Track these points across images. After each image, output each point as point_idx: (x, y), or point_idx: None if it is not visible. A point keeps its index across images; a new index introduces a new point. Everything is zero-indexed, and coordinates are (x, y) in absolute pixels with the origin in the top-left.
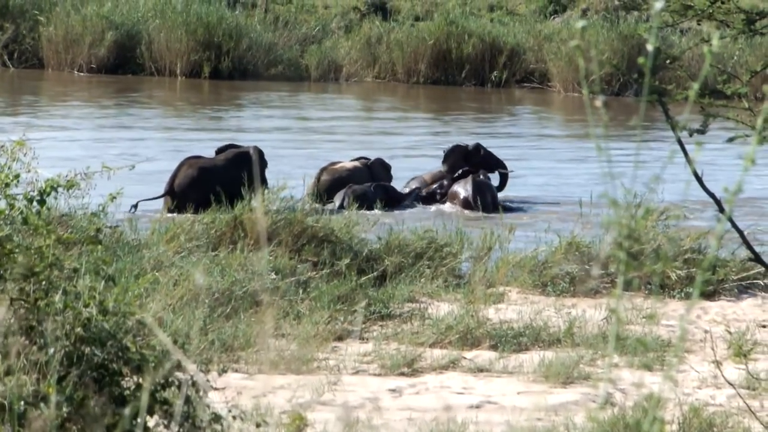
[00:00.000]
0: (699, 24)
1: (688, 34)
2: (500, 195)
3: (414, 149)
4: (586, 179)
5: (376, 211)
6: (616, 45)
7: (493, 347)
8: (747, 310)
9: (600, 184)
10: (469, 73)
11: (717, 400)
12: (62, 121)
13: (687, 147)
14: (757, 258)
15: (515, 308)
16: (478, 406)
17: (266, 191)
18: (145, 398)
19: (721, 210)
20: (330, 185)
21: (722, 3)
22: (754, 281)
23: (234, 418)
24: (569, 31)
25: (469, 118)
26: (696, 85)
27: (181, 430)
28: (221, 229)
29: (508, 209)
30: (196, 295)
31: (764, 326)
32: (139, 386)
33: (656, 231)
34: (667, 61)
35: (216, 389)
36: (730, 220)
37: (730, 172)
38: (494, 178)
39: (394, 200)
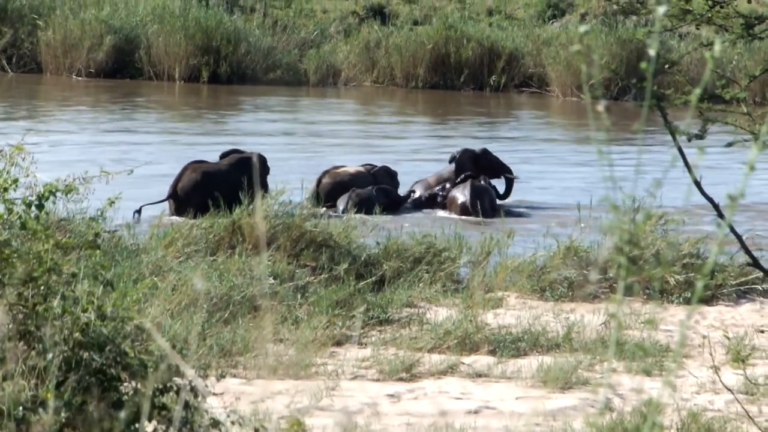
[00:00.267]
0: (698, 28)
1: (686, 39)
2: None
3: (416, 153)
4: (585, 184)
5: (381, 216)
6: (614, 50)
7: (492, 352)
8: (745, 315)
9: (600, 189)
10: (467, 77)
11: (715, 406)
12: (61, 126)
13: (688, 151)
14: (755, 263)
15: (514, 313)
16: (476, 412)
17: (267, 197)
18: (145, 404)
19: (721, 216)
20: (331, 189)
21: (721, 7)
22: (753, 286)
23: (232, 423)
24: (568, 35)
25: (469, 122)
26: (697, 91)
27: None
28: (220, 234)
29: (507, 214)
30: (194, 300)
31: (762, 331)
32: (137, 391)
33: (655, 236)
34: (666, 66)
35: (214, 394)
36: (729, 225)
37: (731, 174)
38: (500, 183)
39: (394, 204)
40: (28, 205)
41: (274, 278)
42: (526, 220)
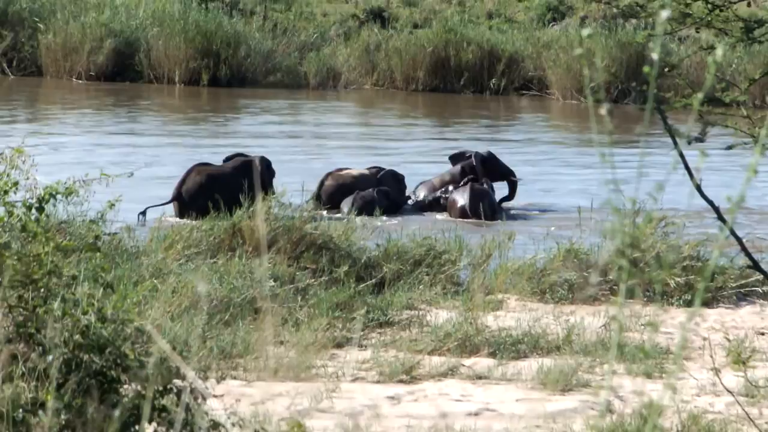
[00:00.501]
0: (697, 32)
1: (686, 42)
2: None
3: (420, 155)
4: (587, 186)
5: (384, 218)
6: (614, 53)
7: (492, 354)
8: (746, 318)
9: (601, 191)
10: (467, 80)
11: (716, 408)
12: (61, 129)
13: (689, 154)
14: (755, 265)
15: (514, 315)
16: (476, 414)
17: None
18: (146, 406)
19: (721, 219)
20: (334, 191)
21: (720, 11)
22: (753, 289)
23: (233, 425)
24: (568, 38)
25: (471, 125)
26: (700, 95)
27: None
28: (220, 237)
29: (508, 216)
30: (195, 303)
31: (763, 333)
32: (137, 393)
33: (655, 238)
34: (666, 69)
35: (215, 396)
36: (730, 228)
37: (733, 176)
38: (502, 186)
39: (394, 206)
40: (29, 208)
41: (275, 280)
42: (527, 223)
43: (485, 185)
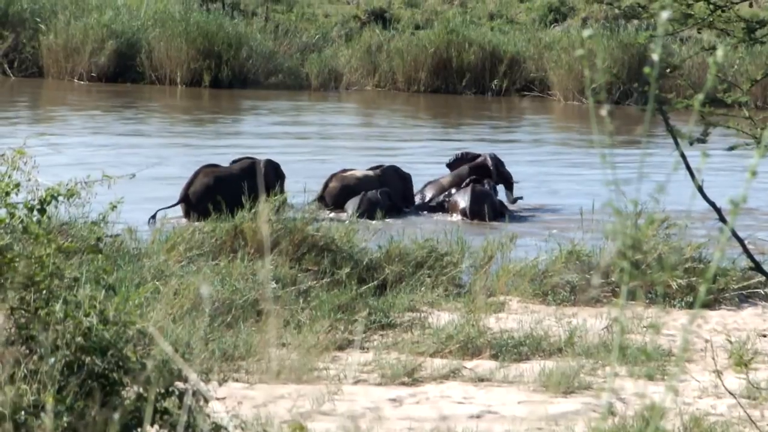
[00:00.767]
0: (699, 32)
1: (688, 43)
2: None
3: (427, 156)
4: (588, 187)
5: (388, 221)
6: (616, 54)
7: (494, 357)
8: (748, 320)
9: (603, 192)
10: (469, 81)
11: (718, 410)
12: (62, 130)
13: (692, 154)
14: (757, 267)
15: (516, 317)
16: (478, 416)
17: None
18: (148, 408)
19: (723, 220)
20: (338, 193)
21: (722, 12)
22: (755, 290)
23: (235, 427)
24: (569, 39)
25: (473, 126)
26: (700, 96)
27: None
28: (222, 238)
29: (510, 218)
30: (197, 305)
31: (765, 335)
32: (139, 396)
33: (657, 240)
34: (668, 70)
35: (217, 399)
36: (732, 230)
37: (735, 176)
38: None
39: (396, 207)
40: (30, 209)
41: (277, 282)
42: (529, 224)
43: (487, 186)
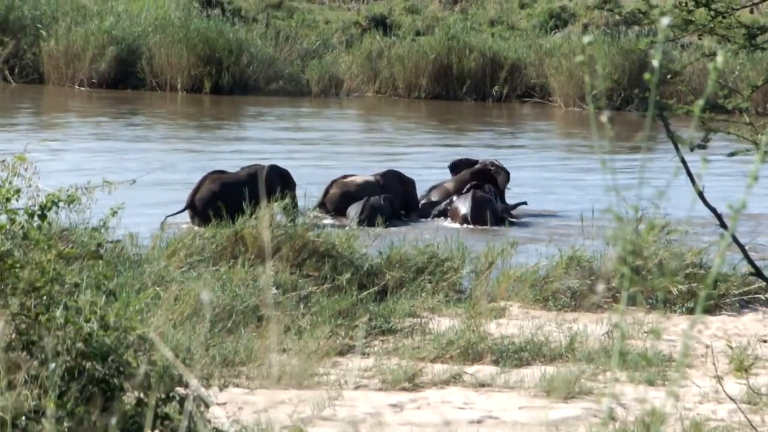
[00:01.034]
0: (700, 39)
1: (689, 49)
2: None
3: (430, 162)
4: (589, 193)
5: (391, 228)
6: (617, 60)
7: (495, 362)
8: (748, 325)
9: (603, 198)
10: (470, 87)
11: (718, 415)
12: (63, 136)
13: (693, 159)
14: (758, 273)
15: (516, 323)
16: (479, 422)
17: (295, 211)
18: (148, 414)
19: (723, 226)
20: (339, 199)
21: (723, 18)
22: (756, 296)
23: None
24: (570, 45)
25: (475, 132)
26: (701, 102)
27: None
28: (222, 244)
29: (511, 223)
30: (197, 310)
31: (765, 341)
32: (140, 401)
33: (658, 246)
34: (669, 76)
35: (217, 404)
36: (732, 235)
37: (736, 181)
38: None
39: (403, 208)
40: (31, 215)
41: (277, 288)
42: (530, 230)
43: (488, 192)
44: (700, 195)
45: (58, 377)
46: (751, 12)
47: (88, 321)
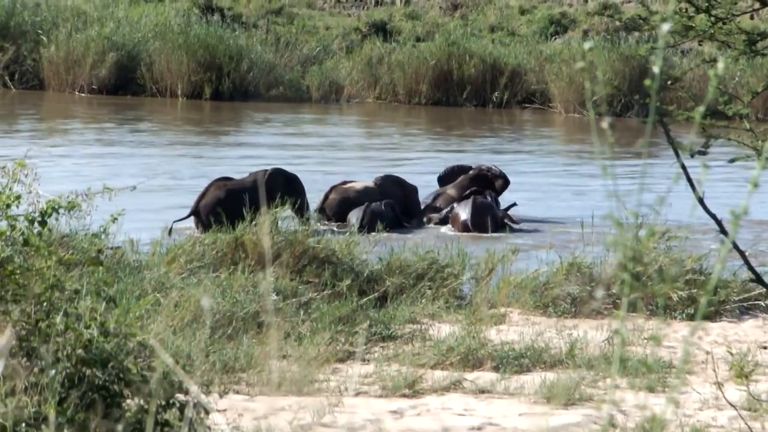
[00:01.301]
0: (700, 44)
1: (689, 55)
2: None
3: (433, 167)
4: (590, 199)
5: (391, 234)
6: (617, 66)
7: (495, 368)
8: (748, 332)
9: (604, 204)
10: (470, 93)
11: (718, 422)
12: (63, 142)
13: (693, 165)
14: (758, 279)
15: (517, 329)
16: (479, 428)
17: (306, 218)
18: (149, 420)
19: (723, 232)
20: (338, 205)
21: (723, 24)
22: (756, 302)
23: None
24: (570, 51)
25: (477, 138)
26: (701, 109)
27: None
28: (222, 250)
29: (511, 229)
30: (197, 317)
31: (765, 347)
32: (140, 408)
33: (658, 252)
34: (669, 82)
35: (218, 411)
36: (732, 242)
37: (737, 187)
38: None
39: (405, 214)
40: (31, 222)
41: (277, 294)
42: (530, 236)
43: (488, 198)
44: (701, 201)
45: (58, 384)
46: (752, 18)
47: (88, 327)
